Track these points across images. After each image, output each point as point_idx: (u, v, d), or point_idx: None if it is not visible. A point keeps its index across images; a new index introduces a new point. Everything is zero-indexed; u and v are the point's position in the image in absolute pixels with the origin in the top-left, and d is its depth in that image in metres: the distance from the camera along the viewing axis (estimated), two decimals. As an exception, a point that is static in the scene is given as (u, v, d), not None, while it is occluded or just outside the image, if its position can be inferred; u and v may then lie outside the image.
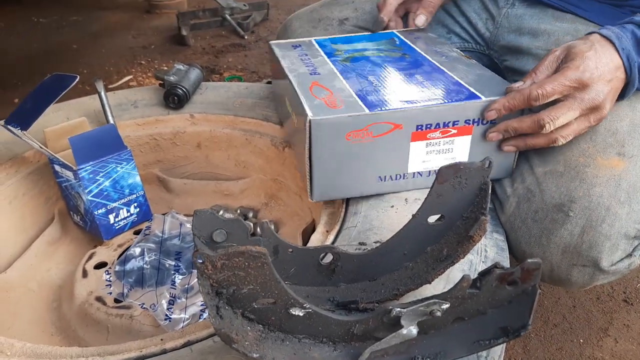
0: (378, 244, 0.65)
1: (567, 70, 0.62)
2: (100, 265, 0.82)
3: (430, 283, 0.54)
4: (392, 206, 0.71)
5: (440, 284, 0.58)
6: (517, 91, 0.64)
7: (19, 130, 0.77)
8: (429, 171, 0.71)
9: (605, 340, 0.92)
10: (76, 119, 0.95)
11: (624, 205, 0.65)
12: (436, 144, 0.68)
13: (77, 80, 0.78)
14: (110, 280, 0.76)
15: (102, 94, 0.95)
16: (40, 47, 2.37)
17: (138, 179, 0.86)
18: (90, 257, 0.83)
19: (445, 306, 0.47)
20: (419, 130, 0.66)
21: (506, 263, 0.66)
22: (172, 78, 1.03)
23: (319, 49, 0.87)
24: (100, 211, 0.82)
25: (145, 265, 0.77)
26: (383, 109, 0.65)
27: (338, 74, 0.76)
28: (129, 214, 0.86)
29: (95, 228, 0.84)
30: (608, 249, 0.64)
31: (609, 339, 0.92)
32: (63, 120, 0.98)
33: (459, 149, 0.69)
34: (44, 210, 0.91)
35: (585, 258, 0.66)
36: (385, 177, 0.70)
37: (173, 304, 0.73)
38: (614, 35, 0.65)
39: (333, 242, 0.69)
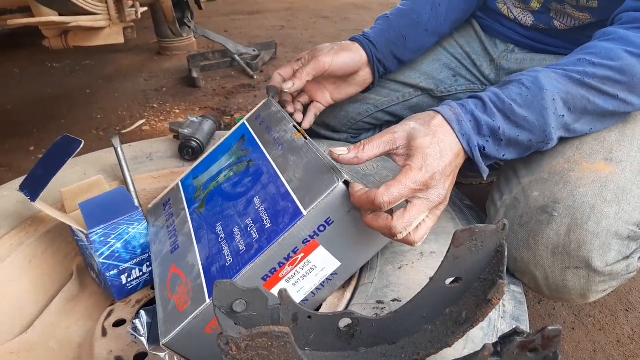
0: (396, 302, 0.65)
1: (410, 171, 0.58)
2: (119, 323, 0.83)
3: (450, 347, 0.54)
4: (408, 261, 0.71)
5: (461, 343, 0.58)
6: (364, 193, 0.59)
7: (29, 200, 0.78)
8: (312, 292, 0.68)
9: (629, 386, 0.91)
10: (92, 175, 0.97)
11: (612, 204, 0.64)
12: (294, 274, 0.65)
13: (81, 146, 0.79)
14: (135, 330, 0.77)
15: (119, 150, 0.97)
16: (54, 92, 2.42)
17: (150, 240, 0.87)
18: (109, 315, 0.84)
19: (467, 375, 0.47)
20: (267, 279, 0.64)
21: (525, 318, 0.66)
22: (186, 131, 1.05)
23: (183, 197, 0.85)
24: (112, 273, 0.83)
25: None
26: None
27: (193, 237, 0.74)
28: (141, 273, 0.87)
29: (108, 289, 0.85)
30: (598, 247, 0.63)
31: (633, 384, 0.91)
32: (80, 176, 1.00)
33: (319, 260, 0.65)
34: (62, 267, 0.93)
35: (577, 259, 0.65)
36: None
37: None
38: (455, 119, 0.64)
39: (350, 300, 0.69)
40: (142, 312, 0.79)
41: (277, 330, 0.41)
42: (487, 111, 0.64)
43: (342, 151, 0.62)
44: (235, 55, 2.45)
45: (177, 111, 2.09)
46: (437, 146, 0.61)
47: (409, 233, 0.59)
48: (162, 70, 2.63)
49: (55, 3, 1.49)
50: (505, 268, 0.53)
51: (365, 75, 0.95)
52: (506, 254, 0.53)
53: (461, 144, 0.63)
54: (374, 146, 0.62)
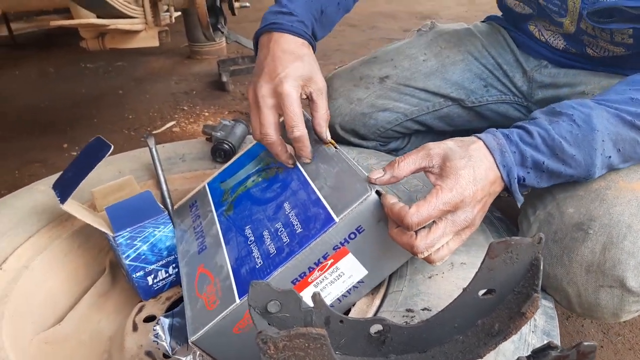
0: (426, 311, 0.65)
1: (441, 191, 0.58)
2: (149, 319, 0.84)
3: (481, 358, 0.54)
4: (438, 271, 0.72)
5: (491, 356, 0.58)
6: (397, 208, 0.59)
7: (59, 202, 0.79)
8: (338, 298, 0.68)
9: (658, 408, 0.89)
10: (127, 174, 0.99)
11: None
12: (322, 279, 0.65)
13: (111, 150, 0.79)
14: (157, 337, 0.78)
15: (153, 150, 0.99)
16: (87, 91, 2.48)
17: (176, 240, 0.88)
18: (139, 310, 0.86)
19: (500, 387, 0.47)
20: (297, 283, 0.64)
21: (556, 333, 0.65)
22: (219, 134, 1.07)
23: (210, 200, 0.86)
24: (138, 274, 0.84)
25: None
26: None
27: (221, 238, 0.75)
28: (167, 274, 0.88)
29: (135, 289, 0.87)
30: (633, 267, 0.63)
31: (662, 407, 0.89)
32: (114, 174, 1.02)
33: (348, 267, 0.66)
34: (96, 262, 0.95)
35: (611, 278, 0.64)
36: None
37: None
38: (498, 149, 0.63)
39: (379, 307, 0.69)
40: (162, 318, 0.80)
41: (315, 332, 0.41)
42: (533, 144, 0.64)
43: (378, 174, 0.63)
44: (265, 61, 2.48)
45: (207, 114, 2.12)
46: (471, 170, 0.61)
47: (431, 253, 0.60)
48: (192, 73, 2.67)
49: (94, 5, 1.54)
50: (540, 282, 0.53)
51: None
52: (542, 267, 0.52)
53: (500, 175, 0.63)
54: (409, 162, 0.63)
